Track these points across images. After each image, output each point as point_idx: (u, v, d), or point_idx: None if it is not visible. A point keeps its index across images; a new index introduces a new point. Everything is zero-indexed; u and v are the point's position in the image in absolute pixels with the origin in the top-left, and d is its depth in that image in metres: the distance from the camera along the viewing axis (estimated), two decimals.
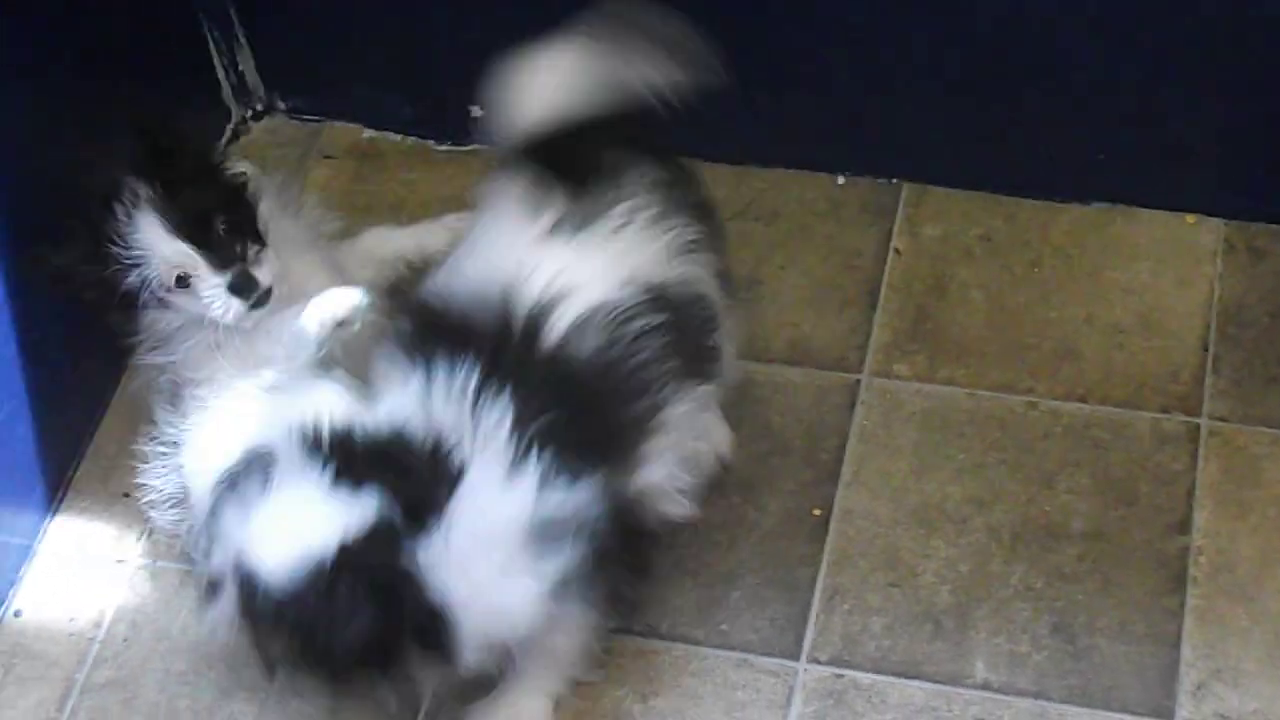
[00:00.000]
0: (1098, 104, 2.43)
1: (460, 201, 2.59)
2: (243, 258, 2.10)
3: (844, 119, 2.55)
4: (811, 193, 2.60)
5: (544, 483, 1.89)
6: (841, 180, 2.61)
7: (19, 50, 2.25)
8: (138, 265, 2.07)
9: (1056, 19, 2.35)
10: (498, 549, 1.89)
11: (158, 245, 2.07)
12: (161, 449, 2.17)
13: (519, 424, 1.90)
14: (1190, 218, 2.52)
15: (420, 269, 2.33)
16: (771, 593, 2.22)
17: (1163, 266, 2.48)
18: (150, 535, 2.32)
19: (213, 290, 2.09)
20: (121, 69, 2.48)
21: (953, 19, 2.38)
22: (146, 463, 2.19)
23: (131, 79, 2.50)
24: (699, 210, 2.13)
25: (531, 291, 1.95)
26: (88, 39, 2.40)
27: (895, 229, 2.55)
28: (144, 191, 2.07)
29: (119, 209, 2.06)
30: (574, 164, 2.01)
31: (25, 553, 2.32)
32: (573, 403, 1.93)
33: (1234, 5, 2.27)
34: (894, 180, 2.60)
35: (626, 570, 2.03)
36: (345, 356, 2.14)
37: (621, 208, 2.02)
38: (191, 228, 2.07)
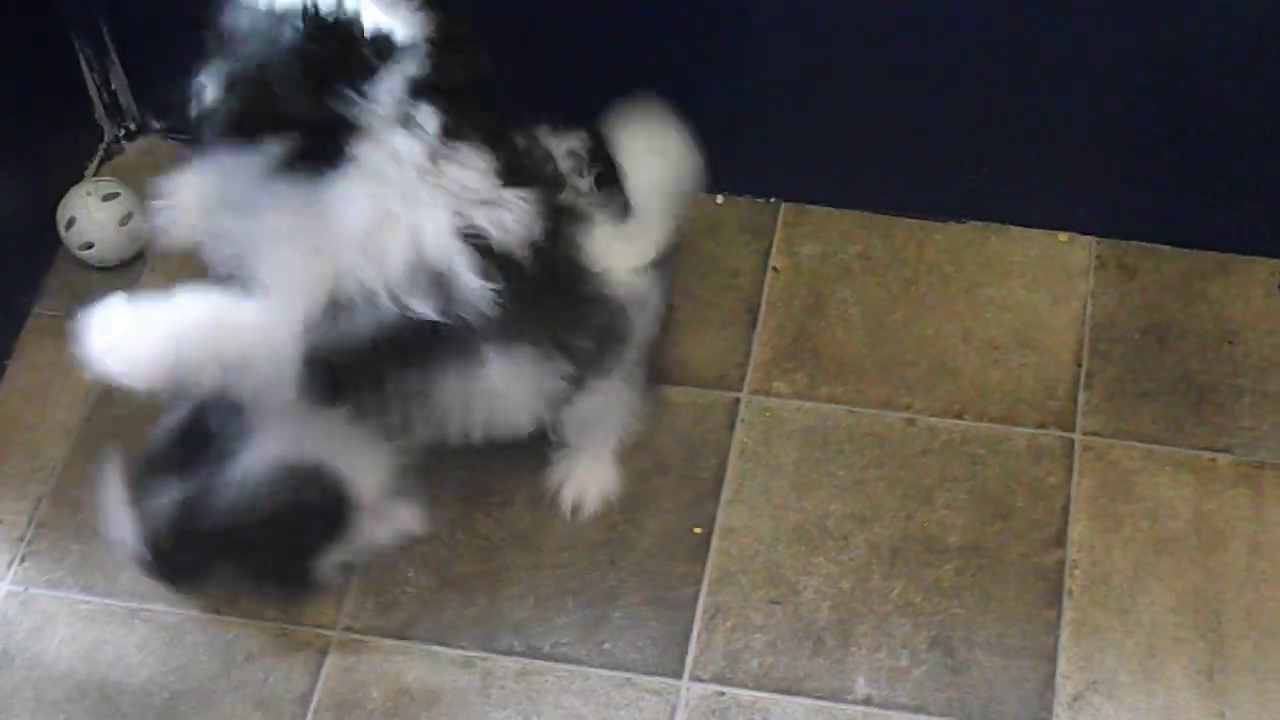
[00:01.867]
0: (971, 123, 2.46)
1: None
2: None
3: (721, 138, 2.55)
4: (690, 211, 2.60)
5: None
6: (720, 199, 2.62)
7: None
8: None
9: (931, 38, 2.37)
10: None
11: None
12: None
13: None
14: (1063, 235, 2.55)
15: None
16: (653, 611, 2.22)
17: (1037, 284, 2.51)
18: (23, 561, 2.28)
19: None
20: None
21: (826, 38, 2.40)
22: None
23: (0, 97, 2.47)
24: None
25: None
26: None
27: (774, 247, 2.57)
28: None
29: None
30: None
31: None
32: None
33: (1106, 25, 2.30)
34: (772, 200, 2.61)
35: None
36: None
37: None
38: None
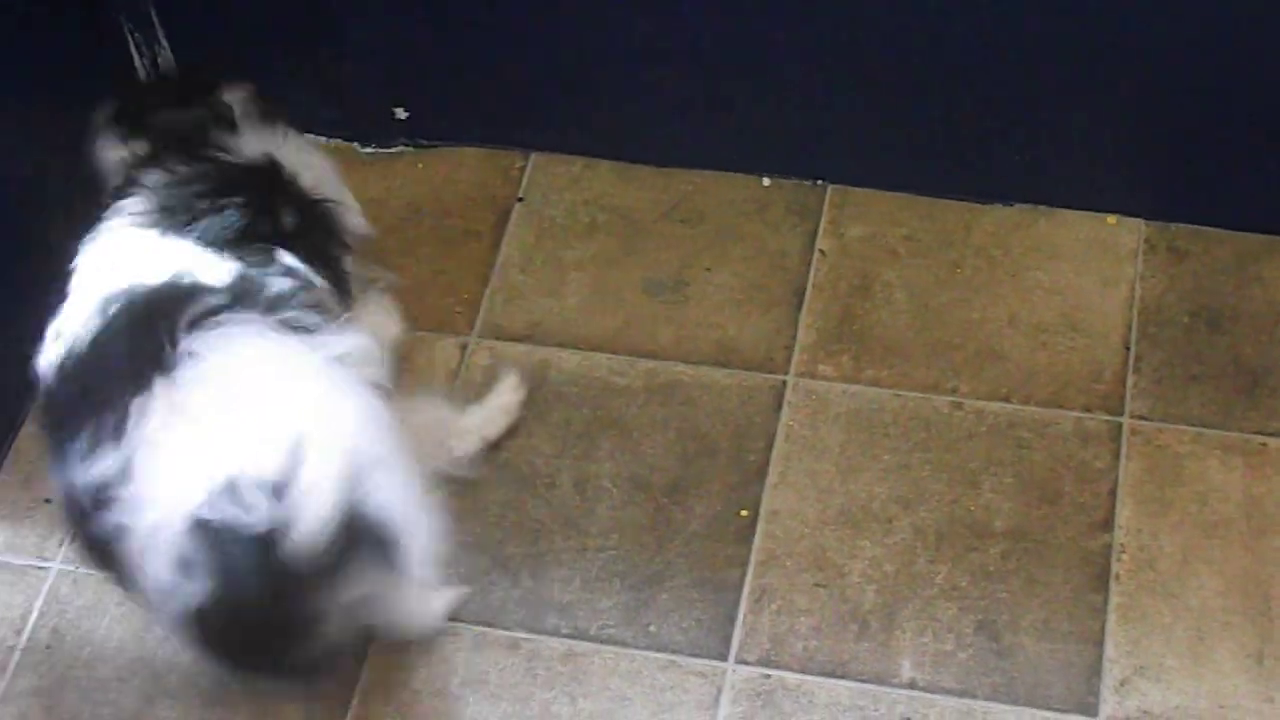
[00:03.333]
0: (1020, 106, 2.45)
1: (386, 206, 2.59)
2: None
3: (769, 121, 2.56)
4: (737, 194, 2.61)
5: None
6: (767, 182, 2.62)
7: None
8: None
9: (979, 22, 2.36)
10: None
11: None
12: None
13: None
14: (1111, 218, 2.54)
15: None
16: (699, 594, 2.22)
17: (1085, 267, 2.50)
18: (74, 541, 2.30)
19: None
20: (40, 70, 2.45)
21: (877, 21, 2.39)
22: None
23: (51, 80, 2.48)
24: None
25: None
26: (4, 39, 2.37)
27: (820, 230, 2.56)
28: None
29: None
30: None
31: None
32: None
33: (1157, 5, 2.29)
34: (819, 182, 2.61)
35: None
36: None
37: None
38: None
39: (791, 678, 2.16)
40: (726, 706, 2.13)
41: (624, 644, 2.19)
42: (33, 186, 2.42)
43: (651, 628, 2.20)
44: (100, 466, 1.91)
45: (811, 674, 2.16)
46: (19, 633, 2.24)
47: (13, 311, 2.20)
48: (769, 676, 2.16)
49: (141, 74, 2.67)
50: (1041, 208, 2.56)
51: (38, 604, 2.26)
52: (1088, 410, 2.36)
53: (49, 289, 2.09)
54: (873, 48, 2.42)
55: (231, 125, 2.28)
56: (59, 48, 2.50)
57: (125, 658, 2.21)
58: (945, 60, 2.41)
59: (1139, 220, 2.53)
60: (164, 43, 2.65)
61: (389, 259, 2.48)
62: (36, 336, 2.07)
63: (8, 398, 2.41)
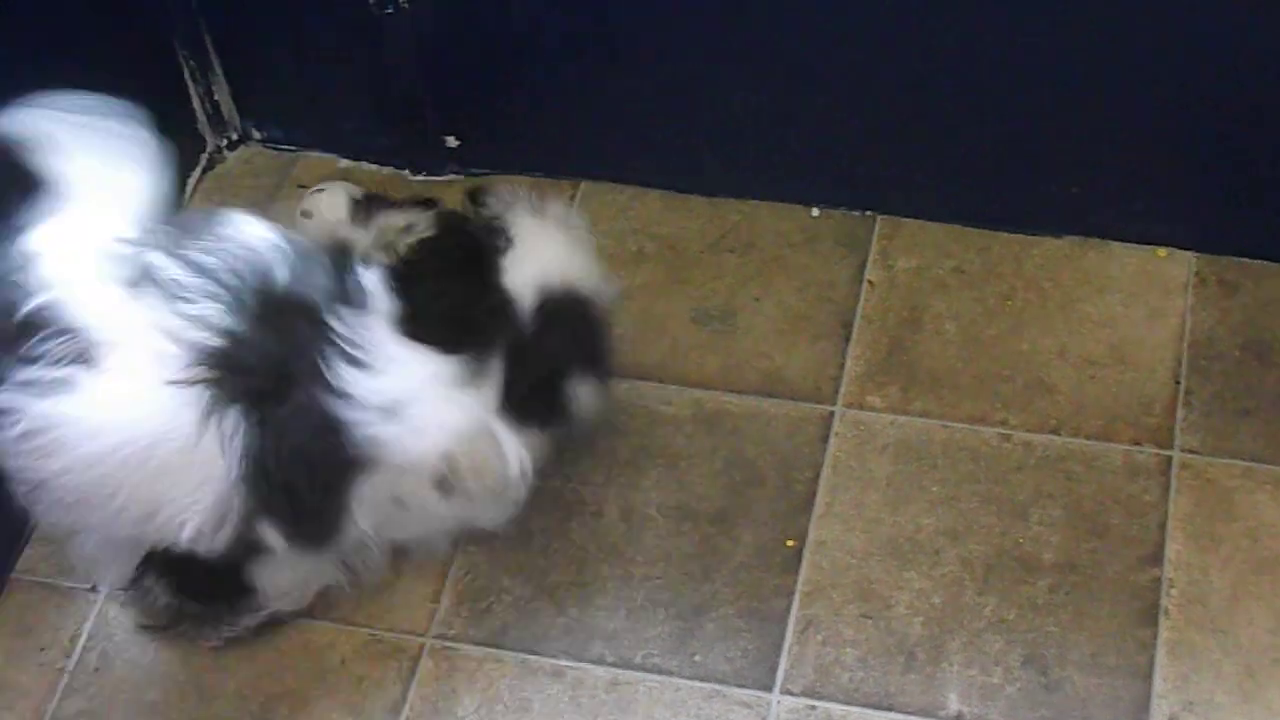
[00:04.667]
0: (1071, 137, 2.45)
1: None
2: None
3: (818, 151, 2.56)
4: (786, 224, 2.61)
5: None
6: (816, 212, 2.62)
7: None
8: None
9: (1030, 54, 2.36)
10: None
11: None
12: None
13: None
14: (1162, 251, 2.53)
15: None
16: (745, 624, 2.22)
17: (1134, 299, 2.49)
18: None
19: None
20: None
21: (926, 53, 2.39)
22: None
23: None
24: None
25: None
26: (63, 67, 2.39)
27: (869, 261, 2.56)
28: None
29: None
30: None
31: None
32: None
33: (1208, 37, 2.28)
34: (868, 212, 2.61)
35: None
36: None
37: None
38: None
39: (837, 709, 2.15)
40: None
41: (669, 673, 2.19)
42: None
43: (697, 657, 2.20)
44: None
45: (857, 705, 2.15)
46: (68, 655, 2.25)
47: None
48: (814, 708, 2.15)
49: (196, 102, 2.70)
50: (1092, 240, 2.55)
51: (86, 627, 2.27)
52: (1137, 444, 2.35)
53: None
54: (923, 79, 2.43)
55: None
56: (111, 73, 2.51)
57: (173, 681, 2.22)
58: (996, 91, 2.41)
59: (1189, 253, 2.52)
60: (218, 70, 2.67)
61: None
62: None
63: None
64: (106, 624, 2.27)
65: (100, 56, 2.48)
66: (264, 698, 2.19)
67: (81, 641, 2.26)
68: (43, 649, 2.25)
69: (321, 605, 2.25)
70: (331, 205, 2.36)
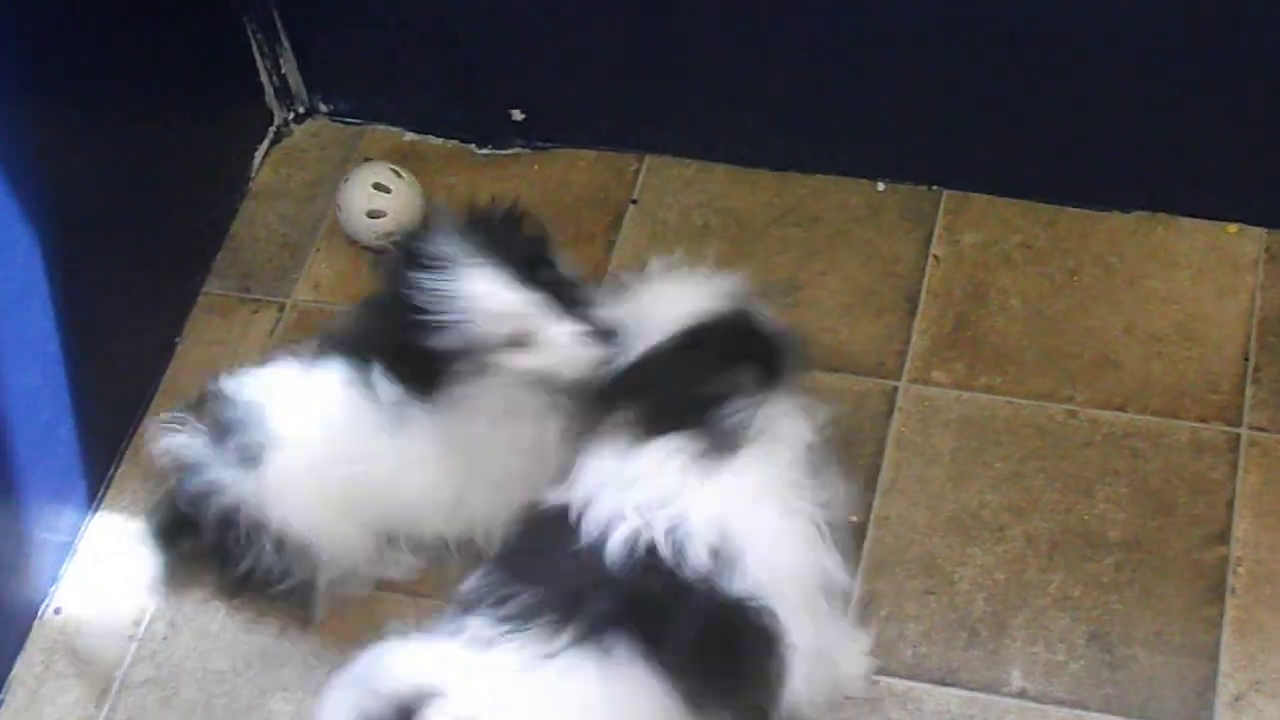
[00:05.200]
0: (1139, 112, 2.43)
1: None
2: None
3: (885, 126, 2.55)
4: (852, 199, 2.60)
5: None
6: (881, 186, 2.61)
7: (62, 54, 2.27)
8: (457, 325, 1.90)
9: (1099, 25, 2.34)
10: None
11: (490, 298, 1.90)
12: None
13: None
14: (1231, 227, 2.51)
15: None
16: None
17: (1203, 276, 2.47)
18: None
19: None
20: (166, 72, 2.50)
21: (994, 27, 2.38)
22: None
23: (175, 82, 2.52)
24: None
25: None
26: (132, 43, 2.42)
27: (935, 236, 2.55)
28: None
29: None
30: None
31: (66, 550, 2.34)
32: None
33: (1275, 14, 2.26)
34: (934, 187, 2.60)
35: None
36: None
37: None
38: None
39: (900, 684, 2.15)
40: (835, 712, 2.13)
41: None
42: (143, 186, 2.47)
43: None
44: None
45: (920, 680, 2.15)
46: (137, 623, 2.27)
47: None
48: (877, 683, 2.15)
49: (263, 75, 2.71)
50: (1160, 215, 2.53)
51: (155, 596, 2.29)
52: (1204, 421, 2.33)
53: None
54: (990, 53, 2.41)
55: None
56: (180, 47, 2.54)
57: (240, 650, 2.24)
58: (1064, 65, 2.40)
59: (1261, 229, 2.50)
60: (286, 43, 2.69)
61: None
62: None
63: (131, 390, 2.46)
64: (174, 593, 2.29)
65: (170, 31, 2.50)
66: (329, 667, 2.20)
67: (150, 610, 2.28)
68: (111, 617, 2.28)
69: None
70: (409, 207, 2.45)
